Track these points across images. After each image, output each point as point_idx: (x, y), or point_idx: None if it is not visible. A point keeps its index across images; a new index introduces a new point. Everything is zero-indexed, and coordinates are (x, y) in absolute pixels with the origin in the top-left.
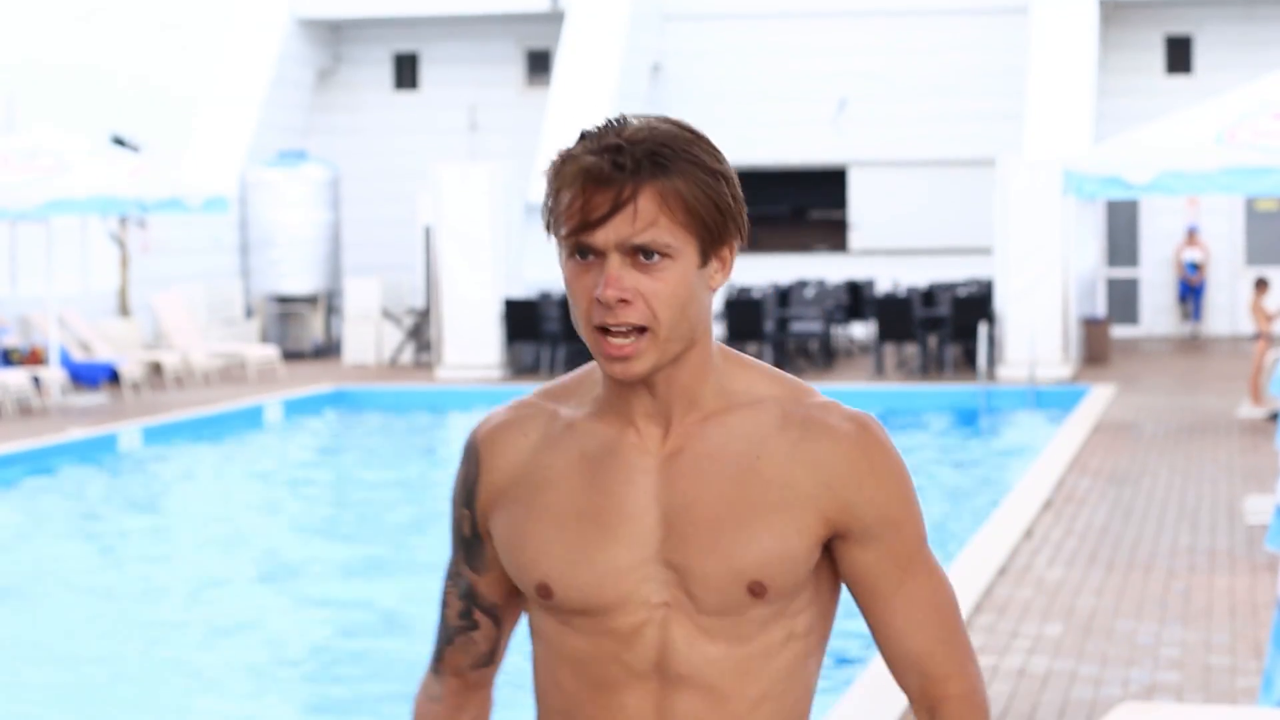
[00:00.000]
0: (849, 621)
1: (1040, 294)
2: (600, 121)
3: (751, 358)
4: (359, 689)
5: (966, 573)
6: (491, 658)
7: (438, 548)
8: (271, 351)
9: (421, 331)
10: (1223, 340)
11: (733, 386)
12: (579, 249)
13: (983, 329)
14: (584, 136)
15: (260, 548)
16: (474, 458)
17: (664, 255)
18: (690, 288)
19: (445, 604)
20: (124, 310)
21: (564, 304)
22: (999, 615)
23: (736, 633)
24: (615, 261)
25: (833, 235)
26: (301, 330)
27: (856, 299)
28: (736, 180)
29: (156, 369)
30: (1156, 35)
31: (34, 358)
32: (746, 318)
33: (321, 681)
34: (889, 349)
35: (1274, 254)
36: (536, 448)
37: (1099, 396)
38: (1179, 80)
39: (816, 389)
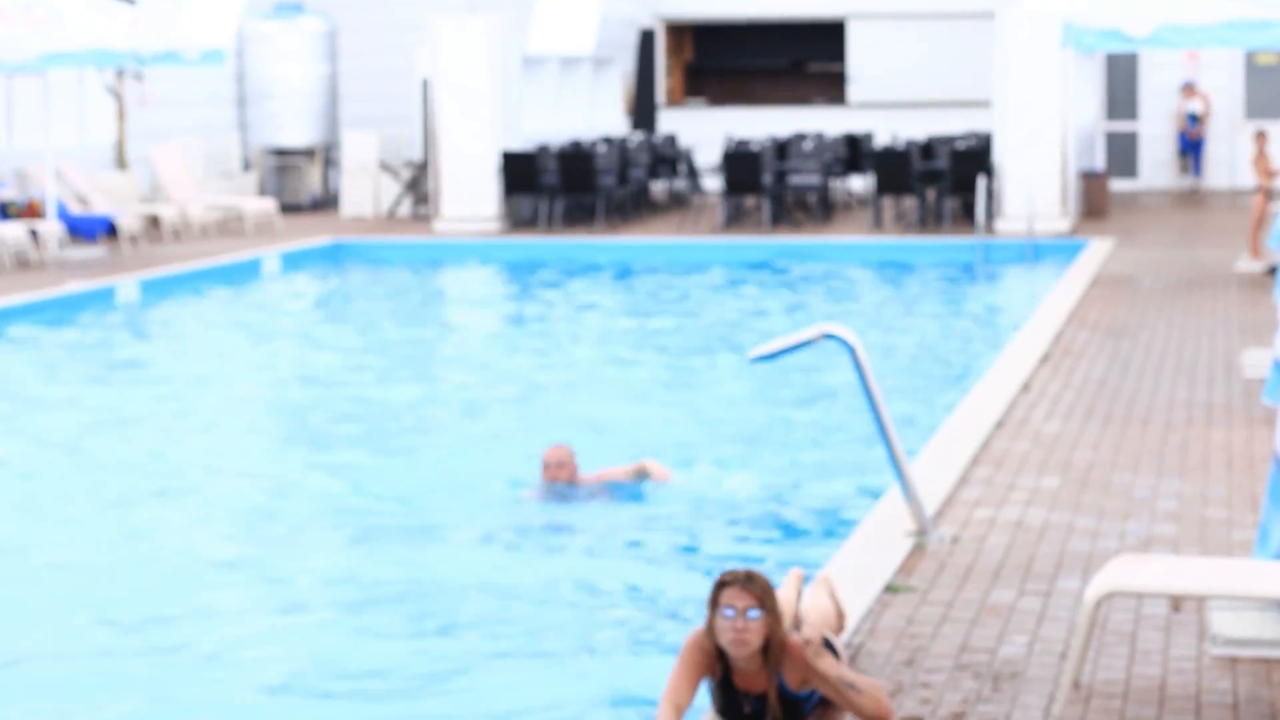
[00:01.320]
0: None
1: (1039, 147)
2: None
3: None
4: (349, 529)
5: (964, 425)
6: None
7: (432, 397)
8: (269, 204)
9: (419, 184)
10: (1222, 194)
11: None
12: None
13: (981, 182)
14: None
15: (256, 400)
16: None
17: None
18: None
19: None
20: (121, 163)
21: (561, 156)
22: (996, 468)
23: None
24: None
25: (831, 88)
26: (299, 183)
27: (855, 152)
28: None
29: (154, 222)
30: None
31: (31, 211)
32: (744, 171)
33: (314, 527)
34: (887, 202)
35: (1274, 108)
36: None
37: (1097, 250)
38: None
39: None
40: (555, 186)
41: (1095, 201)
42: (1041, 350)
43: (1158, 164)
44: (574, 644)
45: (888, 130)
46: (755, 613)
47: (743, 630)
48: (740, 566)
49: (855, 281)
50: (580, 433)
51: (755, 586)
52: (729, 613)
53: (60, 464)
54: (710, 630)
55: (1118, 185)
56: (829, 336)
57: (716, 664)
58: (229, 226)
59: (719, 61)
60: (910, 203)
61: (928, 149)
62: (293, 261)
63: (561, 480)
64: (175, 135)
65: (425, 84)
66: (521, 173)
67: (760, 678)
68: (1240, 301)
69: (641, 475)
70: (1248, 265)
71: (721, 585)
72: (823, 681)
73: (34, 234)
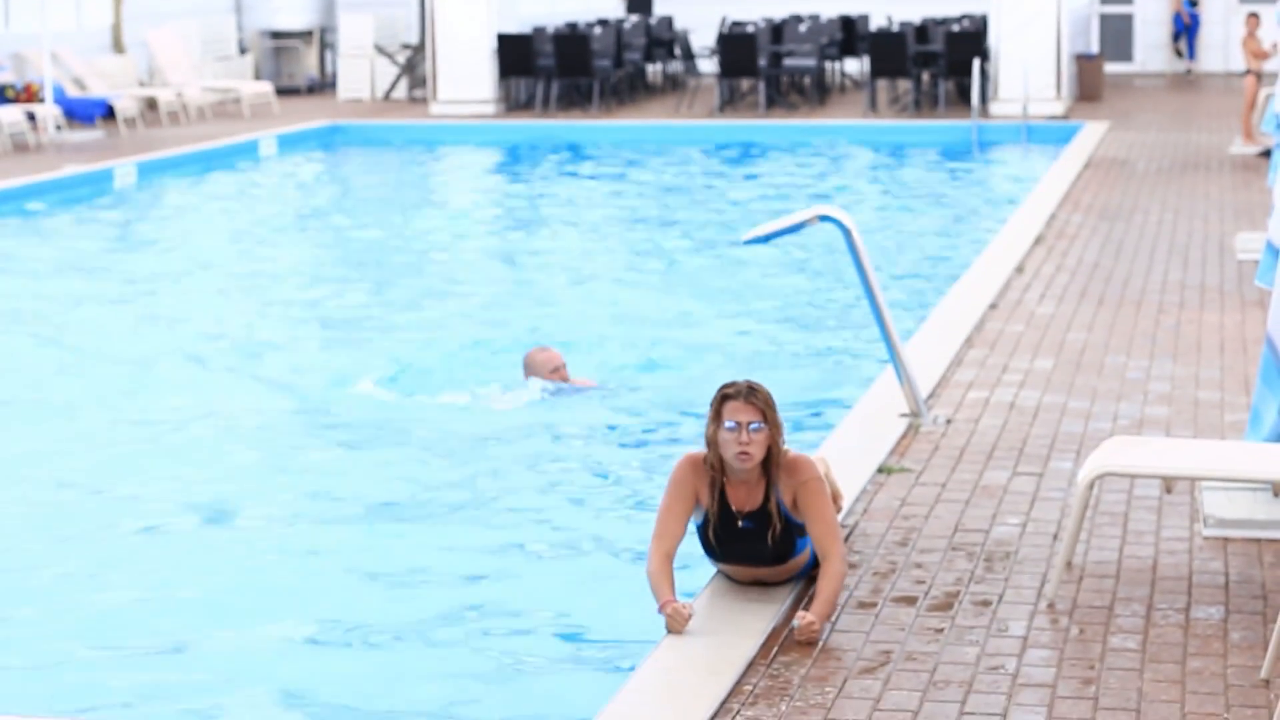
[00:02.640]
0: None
1: (1034, 30)
2: None
3: None
4: (344, 411)
5: (958, 307)
6: None
7: (428, 278)
8: (266, 87)
9: (415, 67)
10: (1216, 77)
11: None
12: None
13: (976, 65)
14: None
15: (253, 281)
16: None
17: None
18: None
19: None
20: (118, 47)
21: (557, 39)
22: (990, 349)
23: None
24: None
25: None
26: (296, 66)
27: (850, 34)
28: None
29: (151, 105)
30: None
31: (28, 94)
32: (740, 53)
33: (306, 406)
34: (882, 85)
35: None
36: None
37: (1092, 133)
38: None
39: None
40: (551, 69)
41: (1090, 84)
42: (1035, 232)
43: (1152, 47)
44: (579, 536)
45: (883, 12)
46: (758, 425)
47: (746, 444)
48: (741, 378)
49: (850, 164)
50: (572, 316)
51: (758, 399)
52: (731, 426)
53: (56, 348)
54: (711, 443)
55: (1112, 68)
56: (824, 218)
57: (710, 484)
58: (226, 109)
59: None
60: (905, 85)
61: (923, 31)
62: (289, 144)
63: (561, 379)
64: (171, 18)
65: None
66: (517, 55)
67: (757, 493)
68: (1234, 184)
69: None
70: (1241, 148)
71: (724, 398)
72: (813, 505)
73: (31, 117)
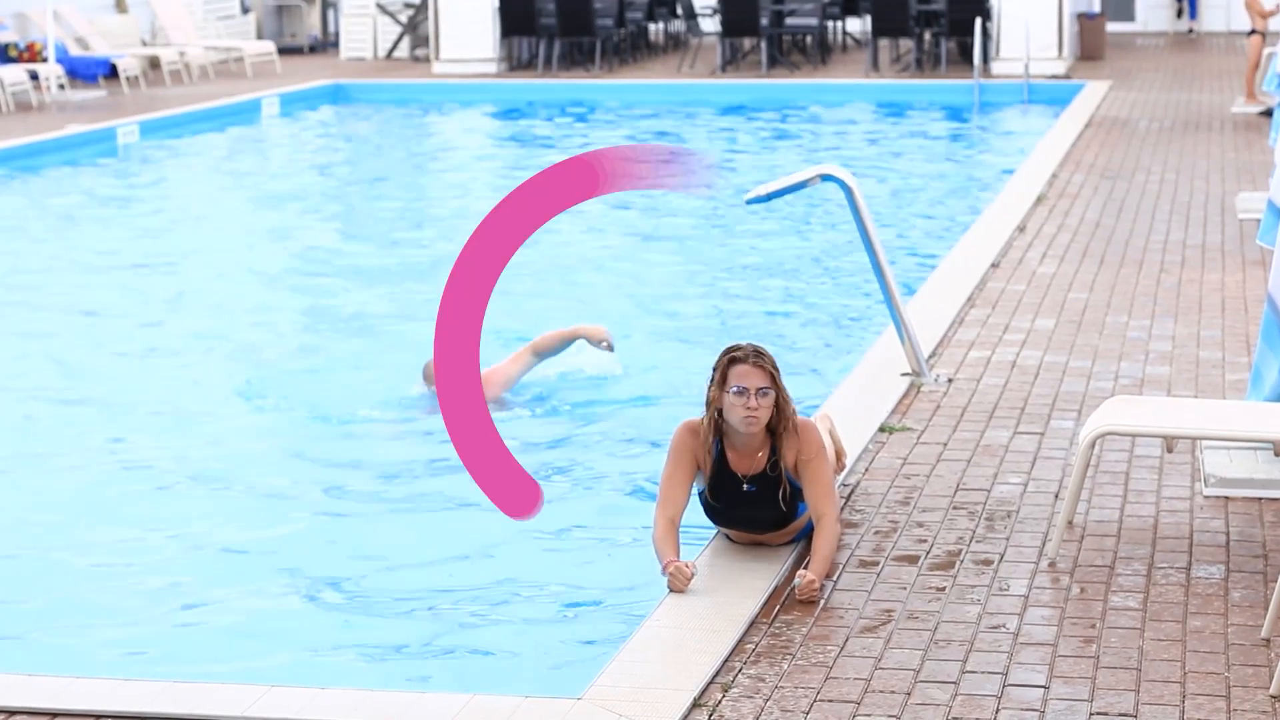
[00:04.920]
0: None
1: None
2: None
3: None
4: (341, 367)
5: (960, 267)
6: None
7: (429, 237)
8: (268, 46)
9: (418, 26)
10: (1218, 36)
11: None
12: None
13: (978, 24)
14: None
15: (256, 240)
16: None
17: None
18: None
19: None
20: (120, 6)
21: None
22: (991, 309)
23: None
24: None
25: None
26: (298, 25)
27: None
28: None
29: (154, 64)
30: None
31: (31, 53)
32: (742, 12)
33: (309, 359)
34: (884, 44)
35: None
36: None
37: (1093, 92)
38: None
39: None
40: (553, 28)
41: (1091, 44)
42: (1037, 192)
43: (1154, 6)
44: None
45: None
46: (766, 390)
47: (754, 409)
48: (746, 342)
49: (852, 124)
50: (567, 275)
51: (765, 362)
52: (738, 390)
53: (60, 301)
54: (713, 406)
55: (1114, 27)
56: (826, 178)
57: (709, 449)
58: (228, 69)
59: None
60: (907, 45)
61: None
62: (292, 103)
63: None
64: None
65: None
66: (519, 15)
67: (760, 457)
68: (1235, 144)
69: (571, 340)
70: (1243, 108)
71: (730, 362)
72: (811, 468)
73: (34, 76)
